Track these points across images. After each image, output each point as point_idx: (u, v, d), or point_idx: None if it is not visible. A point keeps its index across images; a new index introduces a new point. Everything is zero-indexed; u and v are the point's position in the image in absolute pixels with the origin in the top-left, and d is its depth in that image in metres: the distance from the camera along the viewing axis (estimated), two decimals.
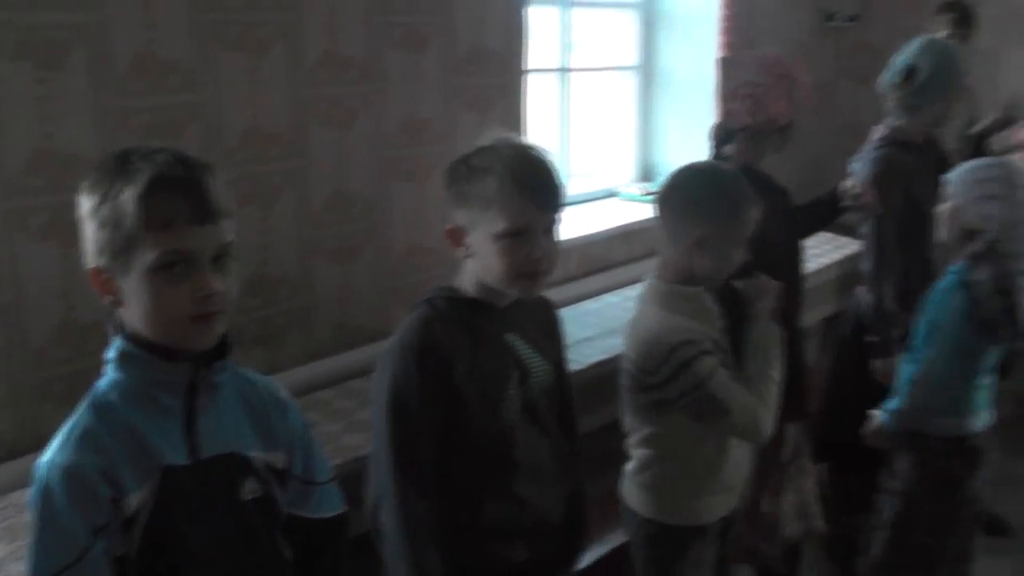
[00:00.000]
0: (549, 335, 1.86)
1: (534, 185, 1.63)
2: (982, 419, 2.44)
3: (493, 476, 1.73)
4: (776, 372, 2.05)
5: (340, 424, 2.62)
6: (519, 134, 3.66)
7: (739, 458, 2.15)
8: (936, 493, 2.44)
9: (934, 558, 2.46)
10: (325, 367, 2.98)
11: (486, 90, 3.57)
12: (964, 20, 4.56)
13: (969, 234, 2.28)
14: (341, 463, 2.28)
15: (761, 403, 1.99)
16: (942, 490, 2.43)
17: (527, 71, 3.79)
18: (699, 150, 4.70)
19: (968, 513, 2.47)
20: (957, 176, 2.39)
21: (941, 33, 4.25)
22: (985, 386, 2.45)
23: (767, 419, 1.99)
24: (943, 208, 2.42)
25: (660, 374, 1.95)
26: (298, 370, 2.92)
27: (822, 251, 4.38)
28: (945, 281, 2.40)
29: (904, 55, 3.04)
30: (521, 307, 1.76)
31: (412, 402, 1.64)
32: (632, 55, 4.92)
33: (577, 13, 4.51)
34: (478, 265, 1.68)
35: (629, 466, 2.18)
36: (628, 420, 2.14)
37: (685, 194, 2.04)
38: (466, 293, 1.72)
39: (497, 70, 3.60)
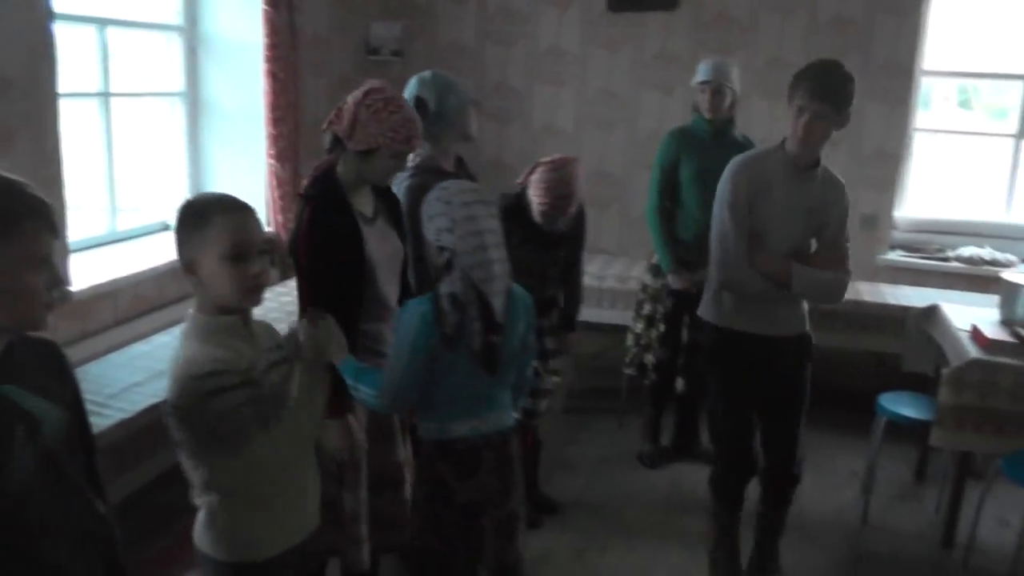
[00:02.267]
0: (58, 378, 1.68)
1: None
2: (471, 425, 2.49)
3: (16, 546, 1.52)
4: (316, 403, 2.09)
5: None
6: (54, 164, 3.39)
7: (301, 484, 2.13)
8: (430, 495, 2.52)
9: (444, 560, 2.54)
10: None
11: (6, 120, 3.20)
12: None
13: (439, 250, 2.43)
14: None
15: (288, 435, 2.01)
16: (435, 492, 2.51)
17: (59, 96, 3.46)
18: (251, 180, 4.72)
19: (460, 516, 2.52)
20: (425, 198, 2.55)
21: None
22: (485, 393, 2.51)
23: (287, 451, 2.01)
24: None
25: (186, 406, 1.89)
26: None
27: None
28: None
29: (408, 90, 3.23)
30: (17, 353, 1.58)
31: None
32: (177, 81, 4.72)
33: (116, 34, 4.22)
34: None
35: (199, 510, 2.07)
36: (183, 461, 2.02)
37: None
38: None
39: (20, 96, 3.25)
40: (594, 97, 5.73)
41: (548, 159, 3.47)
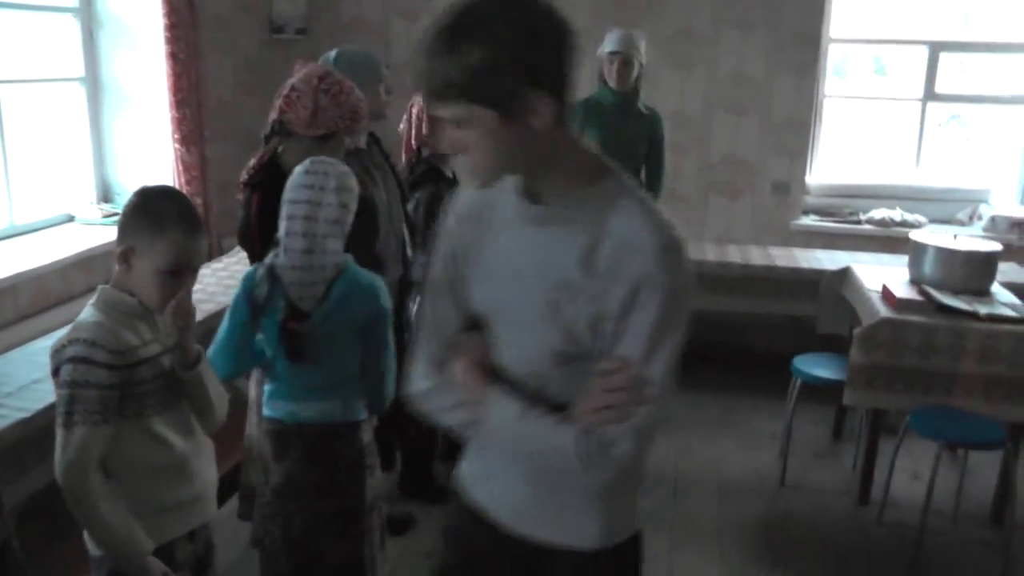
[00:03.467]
0: None
1: None
2: (288, 409, 2.50)
3: None
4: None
5: None
6: None
7: (197, 468, 2.10)
8: (261, 468, 2.59)
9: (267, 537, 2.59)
10: None
11: None
12: None
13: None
14: None
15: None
16: (263, 466, 2.57)
17: None
18: (158, 165, 4.60)
19: (273, 496, 2.55)
20: None
21: None
22: (308, 380, 2.49)
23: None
24: None
25: (55, 367, 1.91)
26: None
27: None
28: None
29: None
30: None
31: None
32: (76, 65, 4.55)
33: (7, 17, 4.05)
34: None
35: None
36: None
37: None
38: None
39: None
40: None
41: None
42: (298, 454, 2.48)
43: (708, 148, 5.56)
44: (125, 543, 1.91)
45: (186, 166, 4.66)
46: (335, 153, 2.72)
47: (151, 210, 1.94)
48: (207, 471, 2.15)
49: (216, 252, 4.77)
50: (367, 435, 2.55)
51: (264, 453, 2.55)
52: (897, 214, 5.44)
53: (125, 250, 1.94)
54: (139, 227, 1.93)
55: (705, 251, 5.18)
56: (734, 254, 5.15)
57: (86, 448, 1.86)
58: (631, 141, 4.17)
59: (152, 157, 4.67)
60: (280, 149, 2.80)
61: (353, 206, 2.44)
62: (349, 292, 2.38)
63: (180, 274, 1.95)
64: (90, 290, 3.86)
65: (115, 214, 4.32)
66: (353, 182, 2.46)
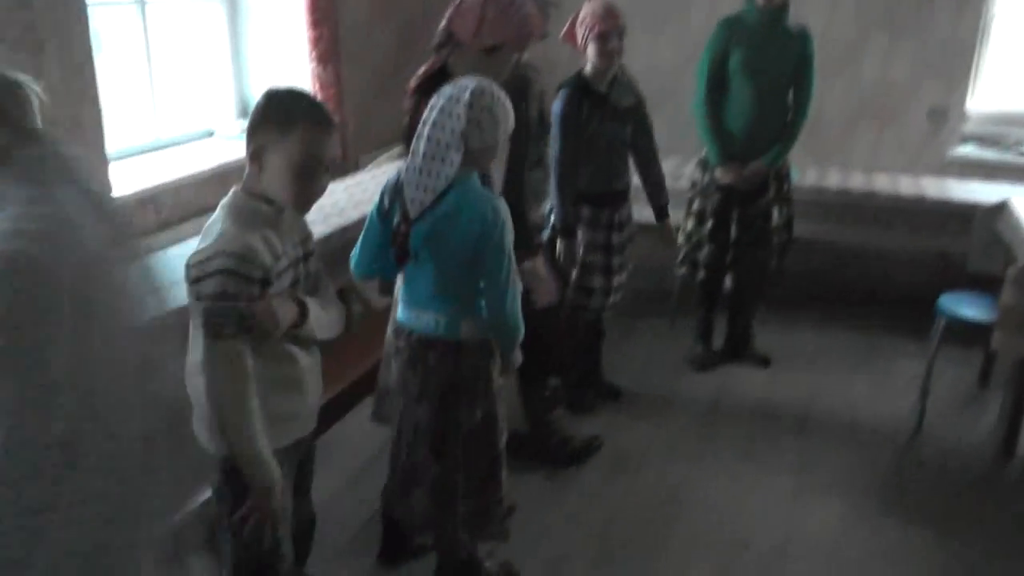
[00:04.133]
0: None
1: None
2: (402, 312, 2.62)
3: None
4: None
5: None
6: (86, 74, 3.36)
7: (311, 383, 2.15)
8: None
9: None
10: None
11: (33, 31, 3.15)
12: None
13: None
14: None
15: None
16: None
17: (86, 4, 3.39)
18: (295, 82, 4.64)
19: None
20: None
21: None
22: (412, 286, 2.59)
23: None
24: None
25: (200, 275, 1.92)
26: None
27: None
28: None
29: None
30: None
31: None
32: None
33: None
34: None
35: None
36: (192, 327, 2.04)
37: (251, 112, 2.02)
38: None
39: (45, 6, 3.19)
40: None
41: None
42: (403, 358, 2.60)
43: (859, 71, 5.23)
44: (263, 465, 1.95)
45: (322, 84, 4.71)
46: (503, 67, 2.76)
47: (279, 107, 1.96)
48: (317, 386, 2.20)
49: (352, 169, 4.82)
50: (471, 358, 2.55)
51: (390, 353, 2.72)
52: None
53: (256, 149, 1.96)
54: (268, 125, 1.95)
55: (851, 180, 4.91)
56: (882, 183, 4.85)
57: (242, 358, 1.91)
58: (777, 62, 3.94)
59: (289, 74, 4.72)
60: (450, 60, 2.82)
61: (492, 126, 2.37)
62: (459, 206, 2.37)
63: (312, 169, 1.96)
64: None
65: None
66: (497, 103, 2.38)
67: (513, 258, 2.47)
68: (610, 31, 3.49)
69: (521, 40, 2.79)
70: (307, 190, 1.99)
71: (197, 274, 1.91)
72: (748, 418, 3.98)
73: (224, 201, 2.01)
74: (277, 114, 1.95)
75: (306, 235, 2.15)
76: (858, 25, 5.15)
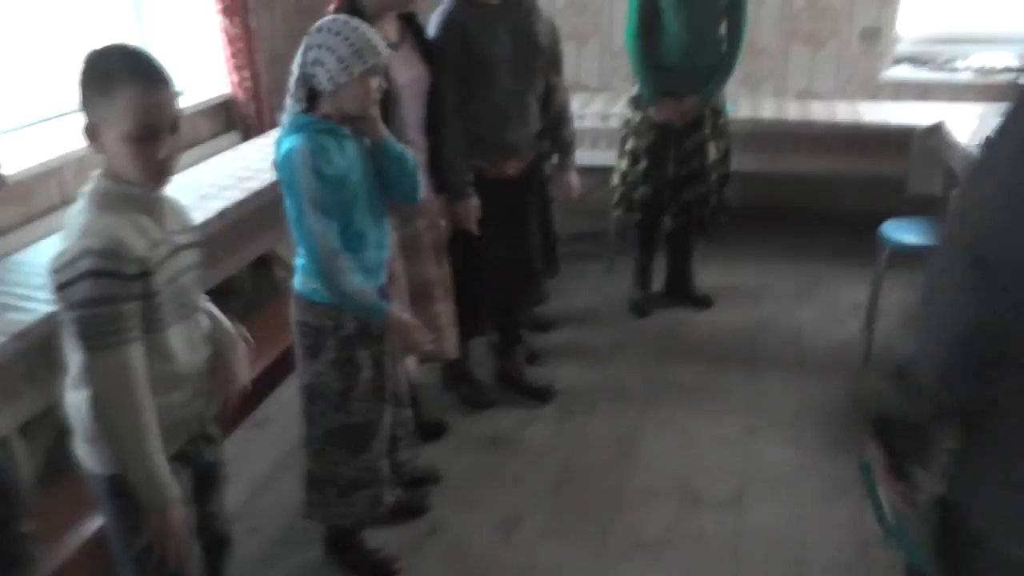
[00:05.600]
0: None
1: None
2: None
3: None
4: None
5: None
6: None
7: (199, 385, 1.94)
8: None
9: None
10: None
11: None
12: None
13: None
14: None
15: None
16: None
17: None
18: (202, 38, 4.39)
19: None
20: None
21: None
22: None
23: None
24: None
25: (66, 280, 1.66)
26: None
27: None
28: None
29: None
30: None
31: None
32: None
33: None
34: None
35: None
36: (64, 341, 1.81)
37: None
38: None
39: None
40: None
41: None
42: None
43: None
44: (158, 484, 1.75)
45: (230, 38, 4.45)
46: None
47: (97, 73, 1.68)
48: (207, 387, 1.97)
49: (268, 125, 4.59)
50: (299, 315, 2.49)
51: None
52: (1001, 59, 4.94)
53: (88, 128, 1.69)
54: (92, 96, 1.67)
55: (786, 109, 4.80)
56: (818, 111, 4.75)
57: (129, 370, 1.69)
58: None
59: (195, 31, 4.46)
60: None
61: (336, 64, 2.23)
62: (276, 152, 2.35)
63: (153, 137, 1.68)
64: None
65: None
66: (344, 39, 2.23)
67: (311, 206, 2.26)
68: None
69: None
70: (151, 162, 1.70)
71: (62, 280, 1.66)
72: (696, 359, 3.89)
73: (86, 188, 1.74)
74: (97, 81, 1.67)
75: (188, 223, 1.92)
76: None
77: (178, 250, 1.83)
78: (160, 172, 1.74)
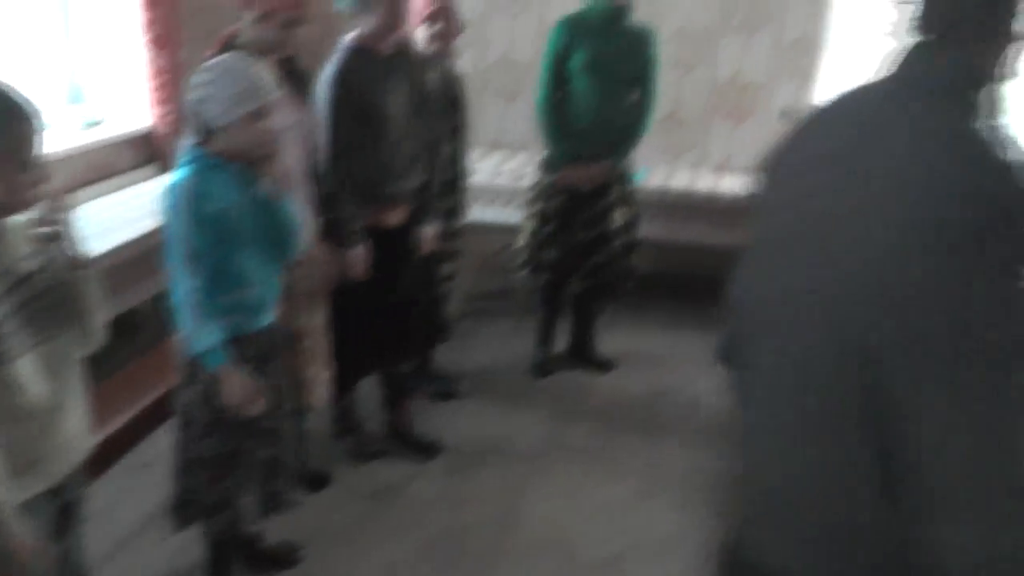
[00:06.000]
0: None
1: None
2: None
3: None
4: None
5: None
6: None
7: (63, 416, 1.89)
8: None
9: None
10: None
11: None
12: None
13: None
14: None
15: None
16: None
17: None
18: (130, 69, 4.38)
19: None
20: None
21: None
22: None
23: None
24: None
25: None
26: None
27: None
28: None
29: None
30: None
31: None
32: None
33: None
34: None
35: None
36: None
37: None
38: None
39: None
40: None
41: None
42: None
43: (715, 67, 5.25)
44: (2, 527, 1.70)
45: (157, 70, 4.45)
46: (284, 37, 2.77)
47: None
48: (74, 418, 1.93)
49: None
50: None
51: None
52: None
53: None
54: None
55: (699, 180, 4.92)
56: (728, 184, 4.87)
57: None
58: (619, 60, 3.86)
59: (123, 60, 4.45)
60: (240, 32, 2.79)
61: (216, 105, 2.29)
62: None
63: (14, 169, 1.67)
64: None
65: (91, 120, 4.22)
66: (225, 79, 2.28)
67: (183, 246, 2.30)
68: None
69: (287, 11, 2.72)
70: (18, 189, 1.69)
71: None
72: (591, 422, 3.93)
73: None
74: None
75: (44, 245, 1.86)
76: (715, 21, 5.17)
77: (26, 278, 1.79)
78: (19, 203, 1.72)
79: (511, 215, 4.63)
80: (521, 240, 4.21)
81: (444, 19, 3.51)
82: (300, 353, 3.04)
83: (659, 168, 4.96)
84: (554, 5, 5.17)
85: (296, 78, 2.95)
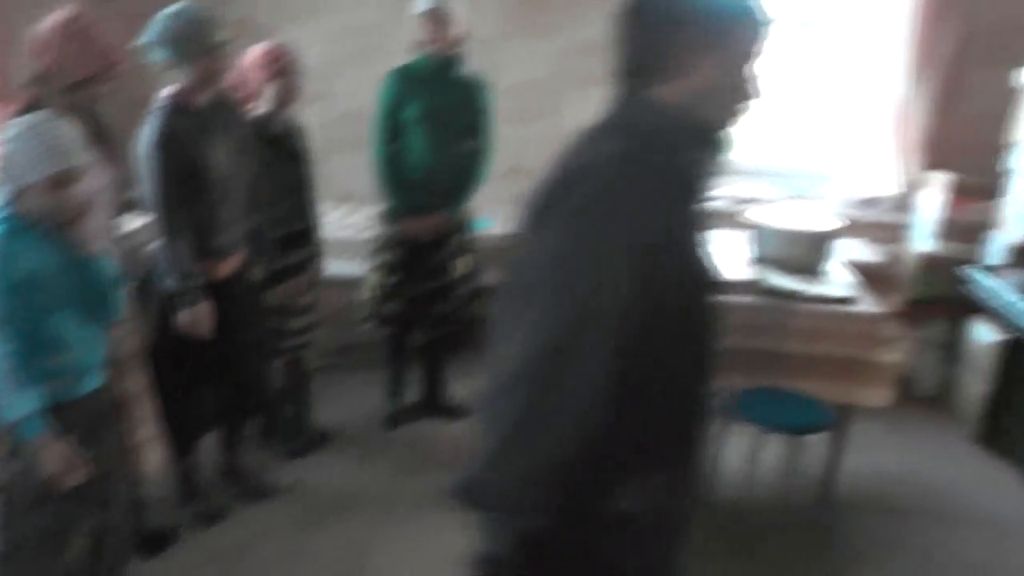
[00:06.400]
0: None
1: None
2: None
3: None
4: None
5: None
6: None
7: None
8: None
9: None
10: None
11: None
12: None
13: None
14: None
15: None
16: None
17: None
18: None
19: None
20: None
21: None
22: None
23: None
24: None
25: None
26: None
27: None
28: None
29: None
30: None
31: None
32: None
33: None
34: None
35: None
36: None
37: None
38: None
39: None
40: (344, 33, 5.37)
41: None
42: None
43: (560, 120, 5.35)
44: None
45: None
46: (91, 99, 2.76)
47: None
48: None
49: None
50: None
51: None
52: (744, 191, 5.32)
53: None
54: None
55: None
56: None
57: None
58: (451, 111, 3.92)
59: None
60: (42, 97, 2.69)
61: (21, 165, 2.22)
62: None
63: None
64: None
65: None
66: (31, 140, 2.22)
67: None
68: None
69: (106, 71, 2.75)
70: None
71: None
72: (441, 471, 3.89)
73: None
74: None
75: None
76: (557, 76, 5.32)
77: None
78: None
79: (358, 268, 4.58)
80: (366, 293, 4.17)
81: (289, 74, 3.49)
82: (127, 418, 2.92)
83: (503, 217, 5.01)
84: (398, 59, 5.25)
85: (101, 134, 2.88)
